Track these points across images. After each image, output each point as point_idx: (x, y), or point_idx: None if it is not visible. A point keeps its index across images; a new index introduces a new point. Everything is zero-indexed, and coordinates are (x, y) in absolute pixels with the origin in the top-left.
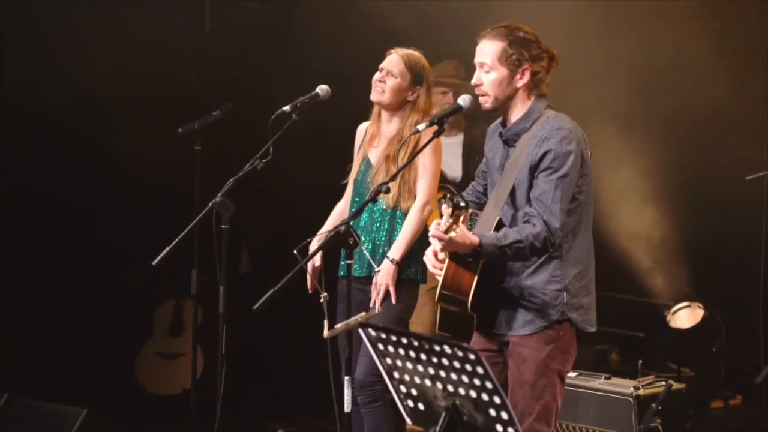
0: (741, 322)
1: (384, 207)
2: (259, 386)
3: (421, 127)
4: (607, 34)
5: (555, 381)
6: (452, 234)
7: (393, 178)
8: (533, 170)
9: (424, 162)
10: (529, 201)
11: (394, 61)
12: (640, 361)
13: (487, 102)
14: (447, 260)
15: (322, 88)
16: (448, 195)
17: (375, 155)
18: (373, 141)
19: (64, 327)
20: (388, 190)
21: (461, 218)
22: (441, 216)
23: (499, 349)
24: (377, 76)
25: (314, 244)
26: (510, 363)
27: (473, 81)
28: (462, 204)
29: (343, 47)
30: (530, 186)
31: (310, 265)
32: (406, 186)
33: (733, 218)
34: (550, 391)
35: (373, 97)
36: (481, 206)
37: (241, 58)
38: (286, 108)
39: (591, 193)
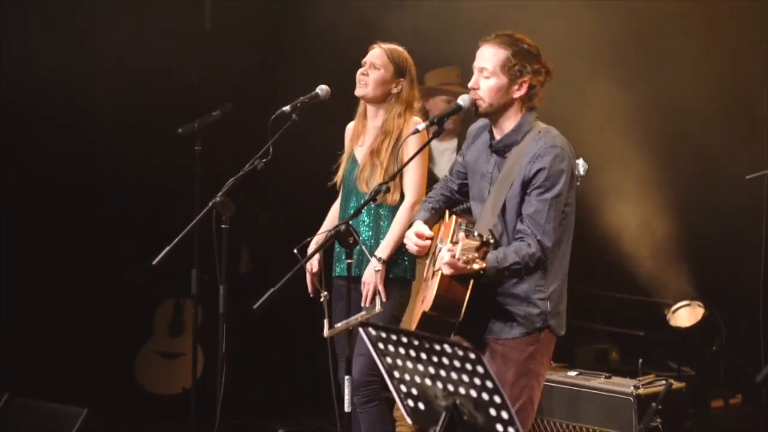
0: (741, 321)
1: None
2: (259, 386)
3: (421, 126)
4: (607, 34)
5: (533, 383)
6: (474, 266)
7: (392, 178)
8: (525, 186)
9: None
10: (520, 216)
11: (376, 54)
12: (641, 360)
13: (481, 106)
14: (440, 272)
15: (321, 89)
16: (475, 231)
17: (361, 153)
18: (358, 139)
19: (64, 327)
20: (387, 190)
21: (487, 254)
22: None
23: (479, 348)
24: (360, 70)
25: (314, 243)
26: (490, 363)
27: (470, 84)
28: (492, 240)
29: (343, 47)
30: (521, 201)
31: (309, 268)
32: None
33: (733, 218)
34: (528, 393)
35: (358, 92)
36: (453, 204)
37: (241, 58)
38: (286, 108)
39: (574, 203)
